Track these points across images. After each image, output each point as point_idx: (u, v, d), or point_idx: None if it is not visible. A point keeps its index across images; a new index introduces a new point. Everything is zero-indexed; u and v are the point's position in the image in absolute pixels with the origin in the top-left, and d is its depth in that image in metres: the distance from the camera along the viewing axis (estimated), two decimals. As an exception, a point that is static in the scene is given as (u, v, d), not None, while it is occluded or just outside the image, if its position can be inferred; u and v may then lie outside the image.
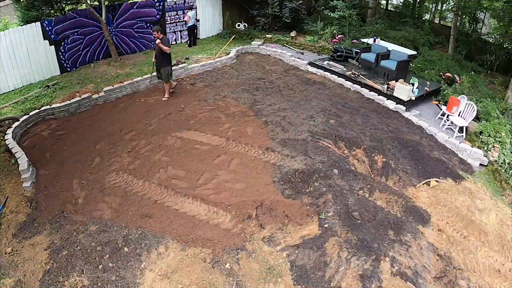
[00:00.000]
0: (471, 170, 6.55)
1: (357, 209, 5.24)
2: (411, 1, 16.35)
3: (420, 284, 4.31)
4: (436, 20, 17.46)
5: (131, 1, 11.18)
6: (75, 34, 9.31)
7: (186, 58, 10.54)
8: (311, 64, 10.64)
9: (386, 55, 9.67)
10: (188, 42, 12.08)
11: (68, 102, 7.80)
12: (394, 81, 8.69)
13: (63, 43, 9.08)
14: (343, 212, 5.21)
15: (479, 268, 4.65)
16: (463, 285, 4.38)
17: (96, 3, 10.88)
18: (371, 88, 8.91)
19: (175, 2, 11.52)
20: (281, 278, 4.34)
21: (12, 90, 8.35)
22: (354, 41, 11.84)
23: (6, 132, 6.64)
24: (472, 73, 9.90)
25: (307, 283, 4.27)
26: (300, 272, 4.40)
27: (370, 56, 9.91)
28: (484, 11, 12.87)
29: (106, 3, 9.79)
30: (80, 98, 7.92)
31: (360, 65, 10.31)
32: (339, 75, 9.76)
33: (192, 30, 11.95)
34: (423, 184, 5.95)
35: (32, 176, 5.70)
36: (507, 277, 4.57)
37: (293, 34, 12.91)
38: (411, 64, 10.16)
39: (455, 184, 6.08)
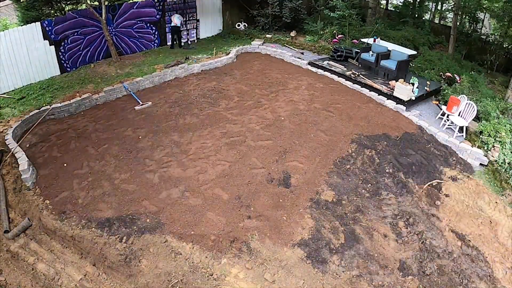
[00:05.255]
0: (471, 170, 6.55)
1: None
2: (411, 1, 16.34)
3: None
4: (436, 20, 17.43)
5: (131, 1, 11.17)
6: (75, 34, 9.30)
7: (186, 58, 10.53)
8: (311, 64, 10.63)
9: (386, 55, 9.67)
10: (171, 44, 11.63)
11: (68, 102, 7.79)
12: (394, 81, 8.68)
13: (63, 43, 9.08)
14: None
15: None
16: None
17: (96, 3, 10.87)
18: (371, 88, 8.90)
19: (175, 2, 11.51)
20: (281, 277, 4.34)
21: (12, 90, 8.34)
22: (354, 41, 11.83)
23: (7, 132, 6.63)
24: (472, 73, 9.88)
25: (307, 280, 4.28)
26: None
27: (370, 56, 9.90)
28: (484, 11, 12.85)
29: (106, 3, 9.78)
30: (80, 98, 7.91)
31: (360, 65, 10.31)
32: (339, 75, 9.75)
33: (176, 31, 11.47)
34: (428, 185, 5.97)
35: (32, 176, 5.70)
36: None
37: (293, 34, 12.89)
38: (411, 64, 10.15)
39: (454, 184, 6.08)
